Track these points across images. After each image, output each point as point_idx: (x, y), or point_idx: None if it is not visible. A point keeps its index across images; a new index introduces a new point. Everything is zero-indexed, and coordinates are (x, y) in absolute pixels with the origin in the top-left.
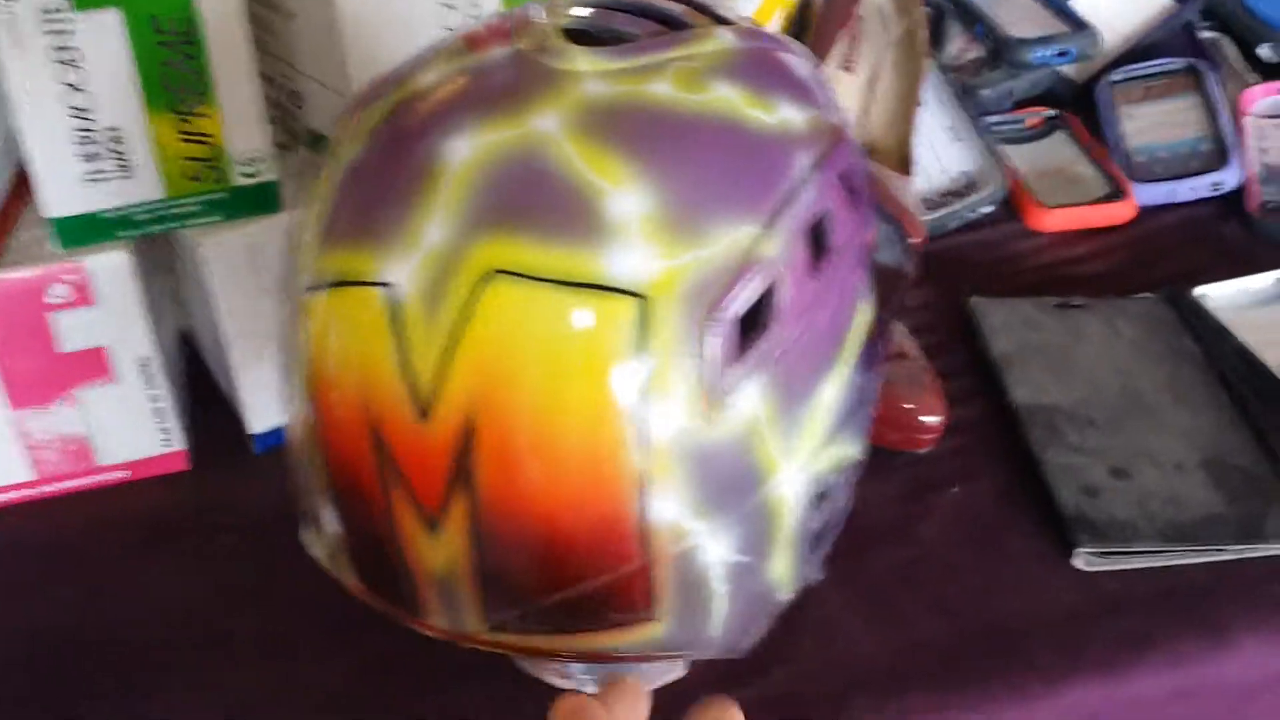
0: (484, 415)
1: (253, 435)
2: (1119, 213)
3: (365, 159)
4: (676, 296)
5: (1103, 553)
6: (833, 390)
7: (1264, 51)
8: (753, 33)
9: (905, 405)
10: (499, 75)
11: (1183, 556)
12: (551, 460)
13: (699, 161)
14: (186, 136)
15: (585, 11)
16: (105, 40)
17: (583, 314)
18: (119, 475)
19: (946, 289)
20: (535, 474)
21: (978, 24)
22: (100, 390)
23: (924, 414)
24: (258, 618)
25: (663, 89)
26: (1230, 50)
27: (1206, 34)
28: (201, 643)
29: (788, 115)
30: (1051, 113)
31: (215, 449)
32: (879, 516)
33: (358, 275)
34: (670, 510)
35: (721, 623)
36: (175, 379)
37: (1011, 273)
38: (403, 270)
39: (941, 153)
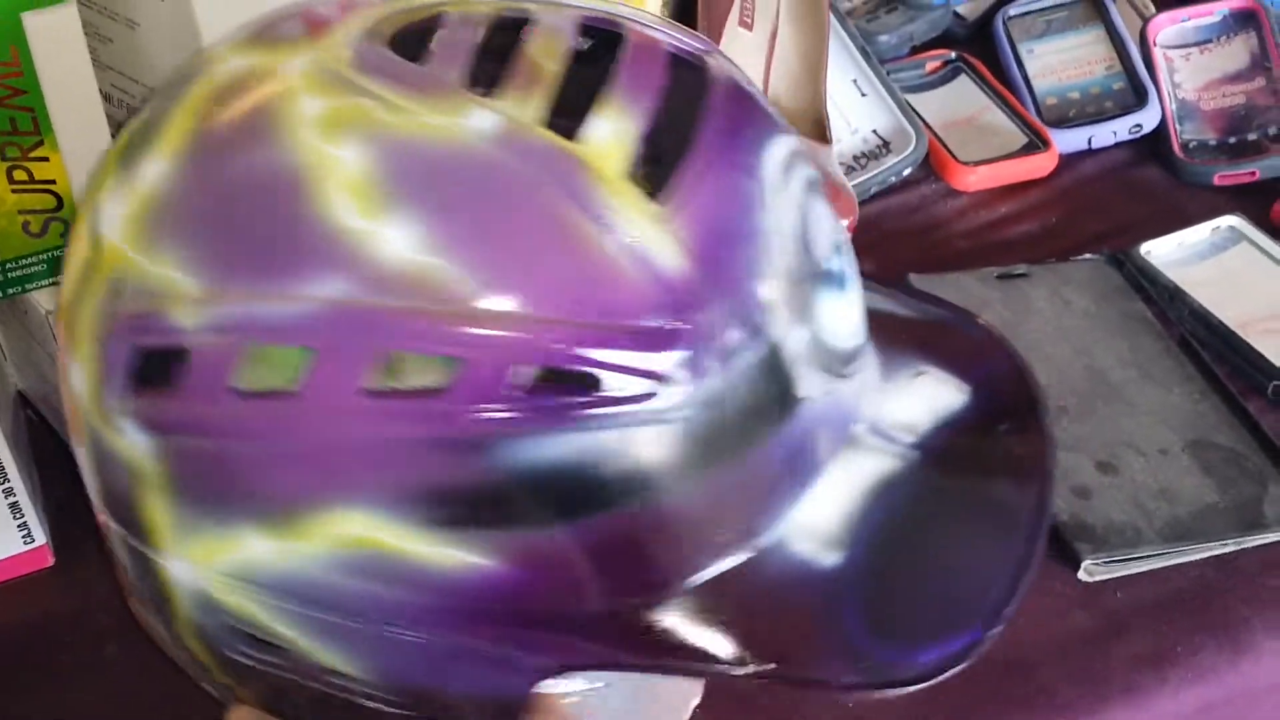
0: None
1: None
2: (1042, 164)
3: None
4: (100, 284)
5: (1107, 561)
6: (265, 552)
7: None
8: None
9: None
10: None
11: (1185, 555)
12: None
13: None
14: (21, 187)
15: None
16: None
17: (81, 225)
18: None
19: (878, 264)
20: None
21: None
22: None
23: None
24: None
25: (310, 109)
26: None
27: None
28: None
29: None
30: (951, 55)
31: (82, 537)
32: None
33: None
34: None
35: None
36: (25, 463)
37: (940, 240)
38: None
39: (848, 111)
